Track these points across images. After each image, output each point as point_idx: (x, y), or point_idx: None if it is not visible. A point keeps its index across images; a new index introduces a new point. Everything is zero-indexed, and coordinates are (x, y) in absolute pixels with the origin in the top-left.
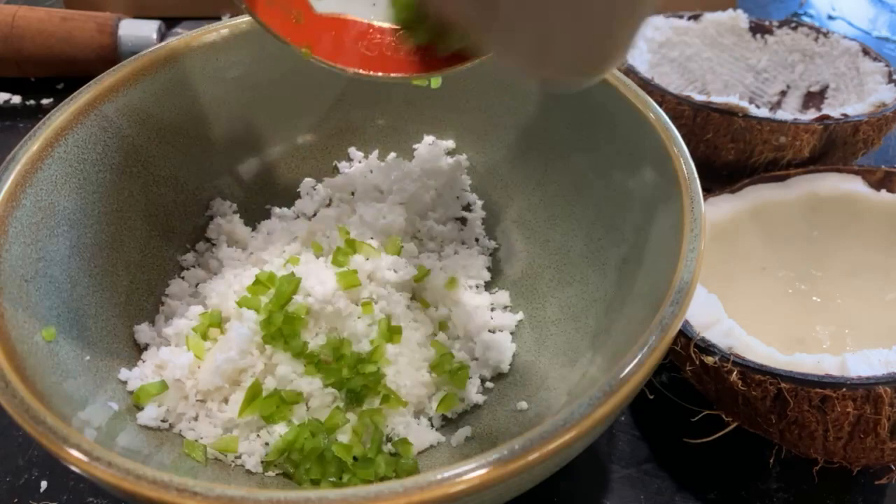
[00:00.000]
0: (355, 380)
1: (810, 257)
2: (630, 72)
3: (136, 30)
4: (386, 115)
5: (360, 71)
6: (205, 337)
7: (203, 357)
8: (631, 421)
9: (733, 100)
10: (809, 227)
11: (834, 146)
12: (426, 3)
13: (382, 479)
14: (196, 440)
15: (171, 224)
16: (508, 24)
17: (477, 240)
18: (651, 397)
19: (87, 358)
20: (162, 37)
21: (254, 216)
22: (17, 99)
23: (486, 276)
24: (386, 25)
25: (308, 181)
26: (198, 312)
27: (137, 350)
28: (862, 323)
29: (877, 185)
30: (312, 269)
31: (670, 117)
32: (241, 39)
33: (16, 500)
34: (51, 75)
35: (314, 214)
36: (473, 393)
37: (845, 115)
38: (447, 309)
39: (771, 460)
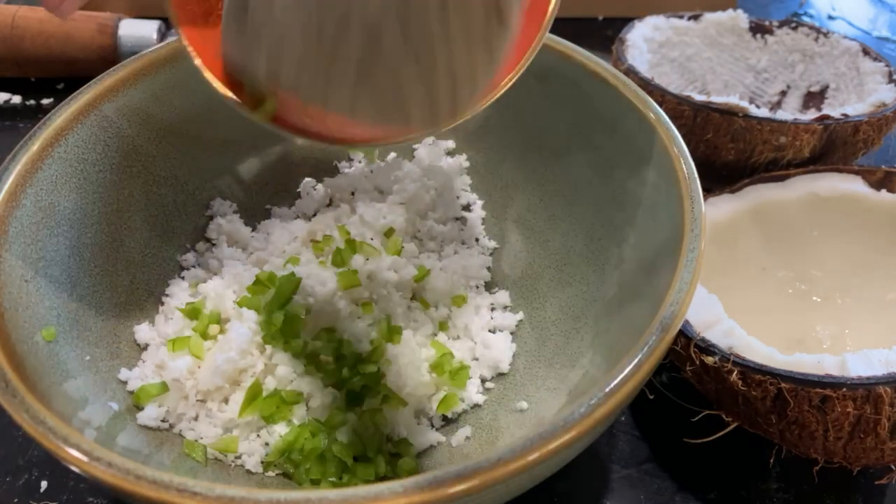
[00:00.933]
0: (355, 380)
1: (810, 257)
2: (630, 72)
3: (136, 30)
4: None
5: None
6: (205, 336)
7: (203, 357)
8: (631, 421)
9: (733, 100)
10: (809, 227)
11: (834, 146)
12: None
13: (382, 479)
14: (196, 440)
15: (171, 224)
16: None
17: (477, 240)
18: (651, 397)
19: (87, 358)
20: (162, 37)
21: (254, 216)
22: (17, 99)
23: (486, 276)
24: None
25: (308, 181)
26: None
27: (137, 350)
28: (862, 323)
29: (877, 185)
30: (312, 270)
31: (670, 117)
32: None
33: (16, 500)
34: (51, 75)
35: (314, 214)
36: (473, 393)
37: (845, 115)
38: (447, 309)
39: (771, 460)
